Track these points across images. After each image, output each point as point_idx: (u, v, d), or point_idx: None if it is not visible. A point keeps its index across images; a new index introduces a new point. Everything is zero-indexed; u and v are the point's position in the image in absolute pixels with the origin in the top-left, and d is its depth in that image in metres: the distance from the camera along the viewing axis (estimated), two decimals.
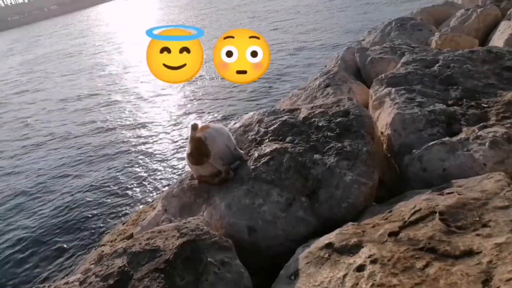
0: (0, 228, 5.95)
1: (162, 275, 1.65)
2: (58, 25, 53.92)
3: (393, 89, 2.91)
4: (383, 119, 2.79)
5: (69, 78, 17.15)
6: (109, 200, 5.83)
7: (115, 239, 3.66)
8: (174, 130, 8.40)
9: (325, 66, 5.81)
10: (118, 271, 1.73)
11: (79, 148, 8.53)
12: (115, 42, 25.02)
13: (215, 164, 2.39)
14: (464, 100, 2.66)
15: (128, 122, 9.65)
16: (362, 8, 16.15)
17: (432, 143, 2.30)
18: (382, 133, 2.75)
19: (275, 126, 2.71)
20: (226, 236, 2.04)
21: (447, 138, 2.31)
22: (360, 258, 1.55)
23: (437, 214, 1.63)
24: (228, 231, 2.16)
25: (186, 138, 2.37)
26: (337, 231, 1.82)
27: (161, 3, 52.41)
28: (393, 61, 3.87)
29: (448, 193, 1.80)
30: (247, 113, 3.16)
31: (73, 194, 6.37)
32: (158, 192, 5.71)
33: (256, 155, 2.47)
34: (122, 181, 6.43)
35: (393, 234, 1.64)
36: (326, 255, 1.67)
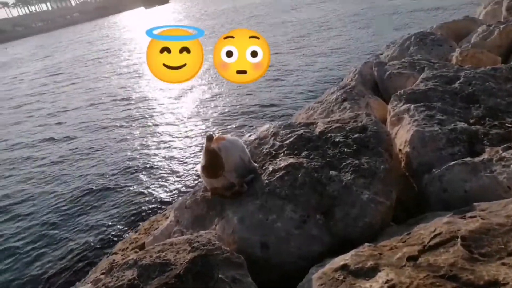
0: (10, 228, 6.01)
1: None
2: (81, 32, 55.39)
3: (412, 106, 2.85)
4: (402, 136, 2.73)
5: (92, 80, 17.73)
6: (122, 207, 5.83)
7: (127, 248, 3.65)
8: (190, 138, 8.41)
9: (342, 79, 5.76)
10: (128, 284, 1.71)
11: (95, 151, 8.61)
12: (136, 48, 25.55)
13: (228, 177, 2.36)
14: (487, 119, 2.59)
15: (145, 127, 9.71)
16: (380, 22, 16.05)
17: (453, 163, 2.24)
18: (400, 150, 2.68)
19: (290, 140, 2.68)
20: (238, 251, 2.00)
21: (469, 158, 2.24)
22: (377, 282, 1.48)
23: (459, 239, 1.56)
24: (240, 246, 2.12)
25: (202, 148, 2.35)
26: (352, 252, 1.76)
27: (180, 14, 53.30)
28: (412, 77, 3.80)
29: (471, 217, 1.73)
30: (262, 125, 3.14)
31: (87, 199, 6.41)
32: (172, 200, 5.70)
33: (270, 169, 2.44)
34: (136, 187, 6.44)
35: (412, 258, 1.57)
36: (341, 278, 1.61)
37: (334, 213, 2.12)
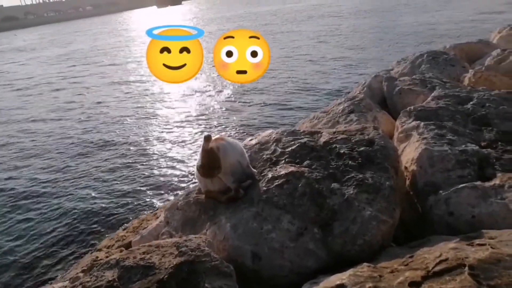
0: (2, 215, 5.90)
1: None
2: (92, 25, 56.05)
3: (422, 123, 2.74)
4: (409, 153, 2.62)
5: (102, 69, 18.73)
6: (113, 203, 5.69)
7: (113, 245, 3.54)
8: (189, 140, 8.31)
9: (349, 92, 5.67)
10: (107, 285, 1.59)
11: (92, 145, 8.55)
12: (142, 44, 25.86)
13: (225, 180, 2.25)
14: (499, 143, 2.48)
15: (146, 125, 9.68)
16: (393, 39, 15.98)
17: (462, 185, 2.12)
18: (406, 168, 2.57)
19: (293, 147, 2.56)
20: (228, 260, 1.88)
21: (479, 182, 2.13)
22: None
23: (467, 267, 1.44)
24: (230, 255, 2.01)
25: (199, 149, 2.25)
26: (350, 271, 1.64)
27: (190, 14, 53.63)
28: (422, 94, 3.71)
29: (480, 245, 1.61)
30: (264, 130, 3.03)
31: (78, 193, 6.28)
32: (164, 201, 5.58)
33: (269, 176, 2.32)
34: (130, 185, 6.31)
35: (414, 284, 1.46)
36: None
37: (333, 227, 2.00)
